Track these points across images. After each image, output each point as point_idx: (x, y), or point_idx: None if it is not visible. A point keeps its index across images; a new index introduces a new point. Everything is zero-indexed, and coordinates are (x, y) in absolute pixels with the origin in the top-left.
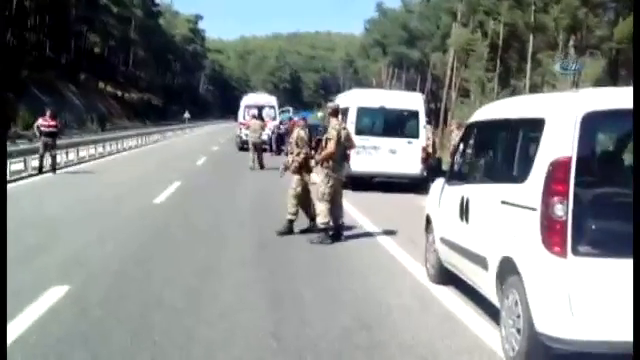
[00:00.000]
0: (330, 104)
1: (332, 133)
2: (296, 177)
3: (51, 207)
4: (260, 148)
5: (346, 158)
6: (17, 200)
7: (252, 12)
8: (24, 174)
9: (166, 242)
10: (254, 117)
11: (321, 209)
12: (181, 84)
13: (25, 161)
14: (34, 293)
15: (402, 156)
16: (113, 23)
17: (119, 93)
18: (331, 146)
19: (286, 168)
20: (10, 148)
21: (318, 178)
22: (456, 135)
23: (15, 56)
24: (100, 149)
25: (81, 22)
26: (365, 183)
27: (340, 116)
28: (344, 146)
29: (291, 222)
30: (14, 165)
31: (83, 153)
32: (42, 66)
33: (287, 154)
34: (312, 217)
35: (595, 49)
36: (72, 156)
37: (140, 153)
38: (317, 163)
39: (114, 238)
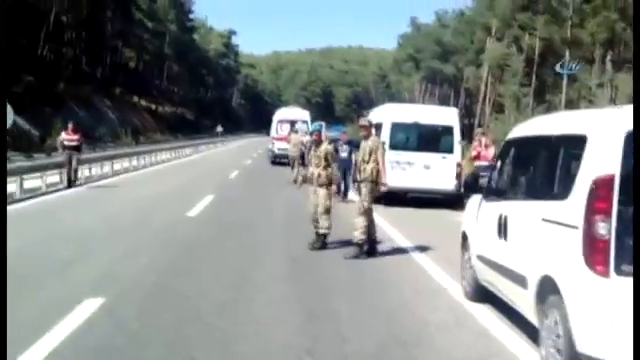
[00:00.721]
0: (366, 118)
1: (381, 147)
2: (325, 191)
3: (85, 220)
4: (300, 162)
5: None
6: (50, 213)
7: (285, 27)
8: (52, 188)
9: (200, 255)
10: (294, 132)
11: (361, 225)
12: (214, 98)
13: (60, 174)
14: (68, 306)
15: (436, 172)
16: (148, 38)
17: (153, 107)
18: (382, 160)
19: (304, 180)
20: (46, 161)
21: (357, 193)
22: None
23: (52, 71)
24: (134, 162)
25: (116, 37)
26: (398, 198)
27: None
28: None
29: (325, 236)
30: (49, 178)
31: (117, 166)
32: (78, 80)
33: (305, 166)
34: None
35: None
36: (107, 169)
37: (173, 166)
38: (370, 180)
39: (148, 251)
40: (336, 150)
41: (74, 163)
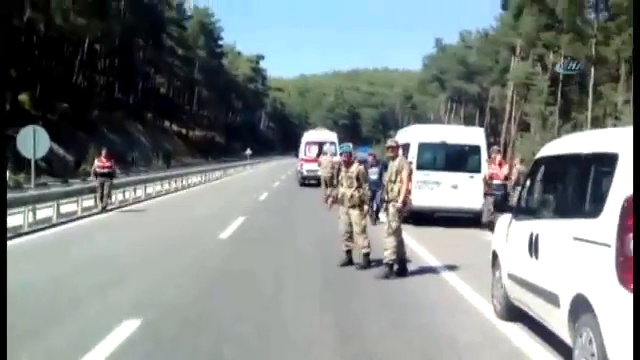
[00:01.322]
0: (393, 139)
1: (406, 167)
2: (358, 212)
3: (121, 244)
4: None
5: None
6: (85, 238)
7: (311, 51)
8: (87, 213)
9: (234, 276)
10: (324, 154)
11: (392, 245)
12: (243, 122)
13: (94, 199)
14: (107, 327)
15: (464, 191)
16: (178, 64)
17: (183, 131)
18: (407, 180)
19: (335, 200)
20: (81, 186)
21: (385, 214)
22: (517, 170)
23: (86, 97)
24: (166, 186)
25: (148, 64)
26: (427, 218)
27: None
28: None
29: (368, 255)
30: (85, 202)
31: (150, 190)
32: (111, 106)
33: (332, 186)
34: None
35: None
36: (140, 192)
37: (204, 189)
38: (399, 201)
39: (184, 272)
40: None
41: (106, 189)
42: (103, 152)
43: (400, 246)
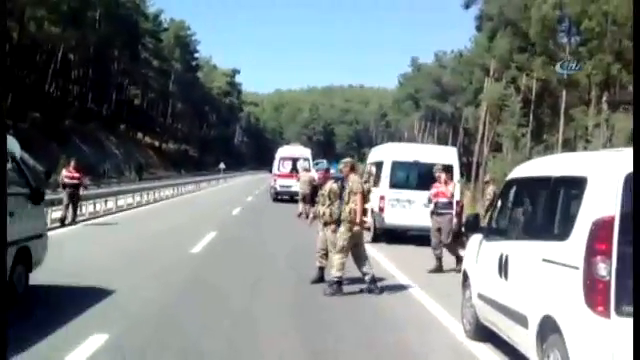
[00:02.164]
0: (347, 160)
1: (359, 187)
2: (331, 230)
3: (90, 256)
4: (310, 199)
5: (364, 213)
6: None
7: (287, 66)
8: (57, 224)
9: (203, 291)
10: (305, 170)
11: (338, 262)
12: (217, 135)
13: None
14: (74, 342)
15: None
16: (153, 76)
17: (157, 143)
18: (360, 201)
19: (315, 217)
20: (52, 197)
21: (335, 232)
22: (491, 190)
23: (58, 107)
24: (138, 198)
25: (122, 75)
26: (399, 236)
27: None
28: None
29: (337, 282)
30: (54, 214)
31: (121, 202)
32: (84, 117)
33: (310, 203)
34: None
35: (629, 104)
36: (110, 205)
37: (176, 202)
38: (348, 220)
39: (152, 287)
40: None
41: (74, 201)
42: (72, 163)
43: (366, 262)
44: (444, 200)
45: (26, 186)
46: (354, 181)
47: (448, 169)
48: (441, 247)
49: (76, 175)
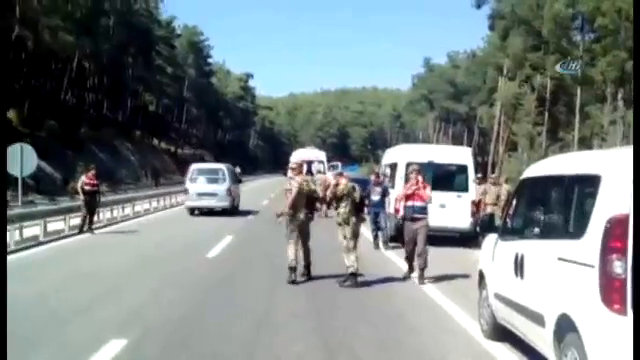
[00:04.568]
0: (292, 164)
1: (295, 186)
2: (345, 228)
3: (109, 261)
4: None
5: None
6: (71, 256)
7: (301, 69)
8: (76, 231)
9: (220, 295)
10: (319, 172)
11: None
12: (232, 140)
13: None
14: (94, 346)
15: (451, 210)
16: (167, 82)
17: (172, 149)
18: (290, 197)
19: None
20: (70, 204)
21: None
22: (506, 190)
23: (74, 115)
24: (154, 204)
25: (137, 82)
26: None
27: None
28: (314, 197)
29: (354, 275)
30: (72, 220)
31: (138, 208)
32: (100, 124)
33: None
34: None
35: None
36: (128, 211)
37: None
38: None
39: (171, 291)
40: (368, 194)
41: (93, 207)
42: (92, 171)
43: (306, 252)
44: (420, 204)
45: None
46: (296, 181)
47: (463, 169)
48: (424, 255)
49: (95, 182)
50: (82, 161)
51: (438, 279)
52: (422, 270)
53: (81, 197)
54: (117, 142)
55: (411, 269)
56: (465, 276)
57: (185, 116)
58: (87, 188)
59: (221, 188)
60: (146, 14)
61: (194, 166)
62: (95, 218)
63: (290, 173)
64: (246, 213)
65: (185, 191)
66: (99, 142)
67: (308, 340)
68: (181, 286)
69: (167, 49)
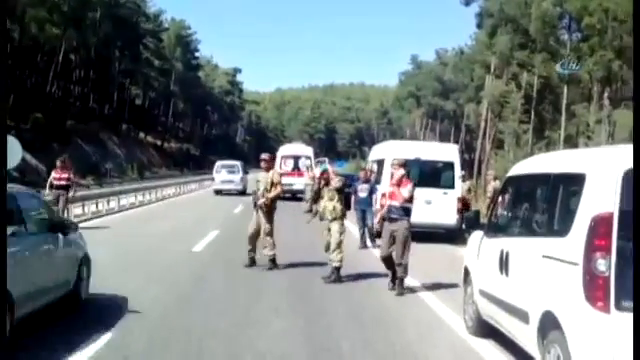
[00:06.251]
0: (265, 155)
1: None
2: (338, 224)
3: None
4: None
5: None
6: None
7: (288, 65)
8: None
9: (204, 290)
10: (310, 168)
11: (269, 242)
12: (219, 134)
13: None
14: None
15: (438, 207)
16: (154, 76)
17: (159, 143)
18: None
19: (315, 214)
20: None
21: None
22: (492, 187)
23: (60, 108)
24: (140, 197)
25: (124, 75)
26: None
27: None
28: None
29: (338, 270)
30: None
31: (123, 202)
32: (86, 117)
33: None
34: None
35: (630, 100)
36: (113, 204)
37: (178, 201)
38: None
39: (155, 285)
40: (355, 190)
41: (61, 203)
42: (58, 163)
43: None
44: (397, 203)
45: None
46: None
47: (449, 166)
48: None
49: (64, 175)
50: (67, 154)
51: (423, 275)
52: (401, 280)
53: (46, 192)
54: (103, 135)
55: (394, 276)
56: (450, 272)
57: (172, 110)
58: (56, 183)
59: (237, 178)
60: (133, 7)
61: (219, 162)
62: (66, 215)
63: (263, 164)
64: (232, 208)
65: (213, 179)
66: (85, 135)
67: (291, 337)
68: (166, 279)
69: (154, 42)
